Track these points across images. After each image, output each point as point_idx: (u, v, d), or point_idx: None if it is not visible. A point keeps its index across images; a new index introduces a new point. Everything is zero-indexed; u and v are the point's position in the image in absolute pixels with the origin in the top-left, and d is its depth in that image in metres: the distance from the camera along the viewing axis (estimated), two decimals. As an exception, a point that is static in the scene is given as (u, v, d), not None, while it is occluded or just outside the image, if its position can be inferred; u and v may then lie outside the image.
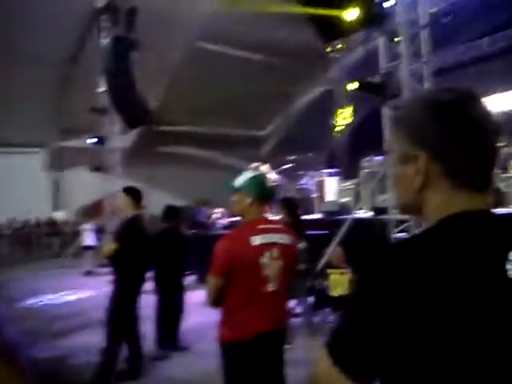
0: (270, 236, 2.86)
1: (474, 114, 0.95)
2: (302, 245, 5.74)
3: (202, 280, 10.29)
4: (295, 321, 6.41)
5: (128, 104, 12.48)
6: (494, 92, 14.48)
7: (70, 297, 10.04)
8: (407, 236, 1.10)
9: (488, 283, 0.87)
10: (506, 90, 14.39)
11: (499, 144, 0.97)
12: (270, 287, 2.82)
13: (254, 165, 12.39)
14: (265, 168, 12.13)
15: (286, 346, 3.08)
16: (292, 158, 13.78)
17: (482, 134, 0.94)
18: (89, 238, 14.43)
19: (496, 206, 9.06)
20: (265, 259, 2.80)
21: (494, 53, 14.41)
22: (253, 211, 2.90)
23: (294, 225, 5.68)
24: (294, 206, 5.98)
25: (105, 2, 12.39)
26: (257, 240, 2.80)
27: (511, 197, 9.39)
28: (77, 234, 16.66)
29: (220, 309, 2.85)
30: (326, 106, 18.44)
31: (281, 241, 2.90)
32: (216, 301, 2.82)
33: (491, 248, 0.90)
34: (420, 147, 0.97)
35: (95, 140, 14.83)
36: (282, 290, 2.89)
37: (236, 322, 2.77)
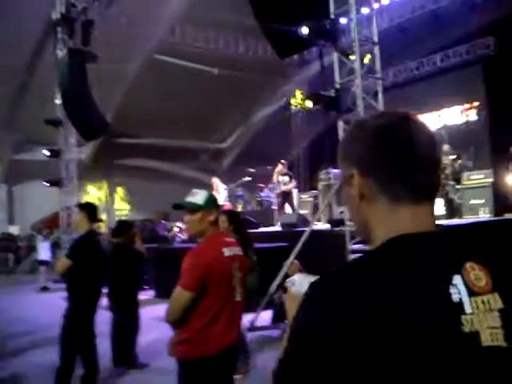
0: (233, 248, 2.93)
1: (405, 132, 0.97)
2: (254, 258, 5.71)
3: (160, 295, 10.18)
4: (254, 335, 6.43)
5: (84, 116, 12.29)
6: (446, 106, 15.02)
7: (26, 314, 9.74)
8: (346, 267, 1.07)
9: (431, 313, 0.85)
10: (458, 104, 14.94)
11: (439, 157, 1.00)
12: (237, 298, 2.88)
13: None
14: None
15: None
16: (252, 170, 13.85)
17: (413, 148, 0.96)
18: (44, 253, 14.08)
19: (450, 217, 9.37)
20: (234, 270, 2.86)
21: (446, 68, 14.90)
22: (212, 228, 2.90)
23: (244, 238, 5.63)
24: (239, 219, 5.91)
25: (60, 14, 12.20)
26: (227, 251, 2.85)
27: (464, 208, 9.71)
28: (32, 249, 16.24)
29: (182, 326, 2.76)
30: (284, 119, 18.66)
31: (240, 253, 2.99)
32: (181, 317, 2.71)
33: (434, 273, 0.89)
34: (353, 166, 1.00)
35: (51, 152, 14.51)
36: (243, 301, 2.97)
37: (205, 337, 2.71)
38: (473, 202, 9.73)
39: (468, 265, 0.92)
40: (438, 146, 1.01)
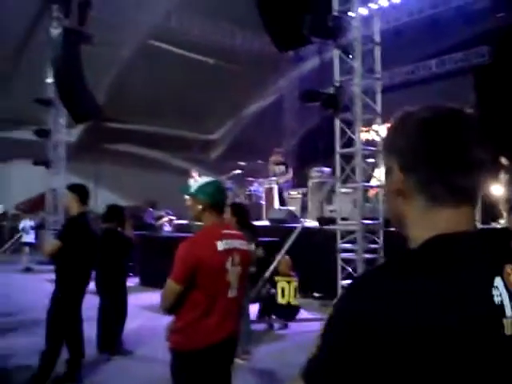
0: (231, 242, 2.84)
1: (450, 129, 0.93)
2: (252, 247, 5.73)
3: (145, 283, 10.14)
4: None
5: (76, 97, 12.18)
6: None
7: (8, 295, 9.57)
8: (384, 263, 1.06)
9: (474, 314, 0.84)
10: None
11: (485, 157, 0.93)
12: (231, 294, 2.80)
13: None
14: None
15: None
16: (242, 163, 13.79)
17: (456, 147, 0.92)
18: (28, 234, 13.91)
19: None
20: (228, 265, 2.78)
21: (440, 74, 14.98)
22: (208, 217, 2.87)
23: (249, 229, 5.66)
24: (245, 211, 5.95)
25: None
26: (221, 245, 2.77)
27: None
28: (16, 229, 16.01)
29: (176, 315, 2.76)
30: (276, 114, 18.61)
31: (241, 247, 2.90)
32: (173, 307, 2.72)
33: (476, 274, 0.87)
34: (393, 159, 0.97)
35: (40, 132, 14.31)
36: (239, 296, 2.90)
37: (195, 330, 2.70)
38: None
39: (508, 267, 0.90)
40: (486, 145, 0.95)
